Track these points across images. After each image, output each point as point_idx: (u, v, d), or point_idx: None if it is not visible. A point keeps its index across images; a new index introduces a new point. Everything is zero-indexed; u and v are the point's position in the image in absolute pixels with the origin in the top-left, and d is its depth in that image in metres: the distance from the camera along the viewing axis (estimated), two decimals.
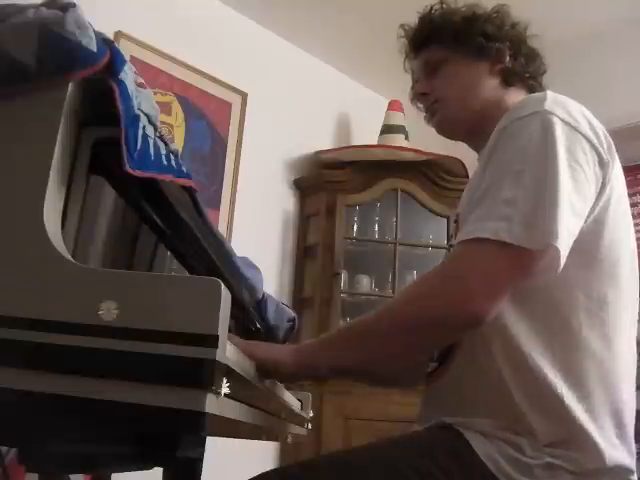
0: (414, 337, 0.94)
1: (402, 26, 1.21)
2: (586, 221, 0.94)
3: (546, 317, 0.94)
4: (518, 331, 0.93)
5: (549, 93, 0.98)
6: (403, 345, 0.96)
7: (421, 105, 1.21)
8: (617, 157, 0.98)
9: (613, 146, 0.98)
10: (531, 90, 1.15)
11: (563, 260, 0.87)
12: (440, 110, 1.15)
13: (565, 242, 0.87)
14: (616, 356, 0.97)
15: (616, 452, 0.93)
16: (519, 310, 0.93)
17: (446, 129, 1.18)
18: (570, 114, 0.94)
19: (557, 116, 0.92)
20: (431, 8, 1.18)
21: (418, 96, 1.20)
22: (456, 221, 1.14)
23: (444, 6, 1.18)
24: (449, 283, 0.90)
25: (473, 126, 1.13)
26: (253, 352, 0.92)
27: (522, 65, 1.14)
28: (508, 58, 1.13)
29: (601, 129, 0.97)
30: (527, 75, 1.15)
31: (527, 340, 0.93)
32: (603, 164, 0.95)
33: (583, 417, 0.91)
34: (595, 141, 0.94)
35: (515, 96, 1.12)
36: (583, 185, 0.91)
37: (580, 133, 0.93)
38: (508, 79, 1.13)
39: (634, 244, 1.03)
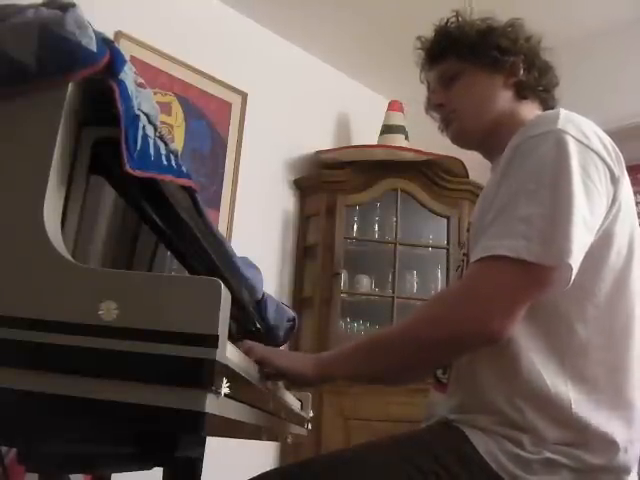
0: (432, 353, 0.98)
1: (419, 38, 1.23)
2: (596, 234, 0.95)
3: (553, 326, 0.96)
4: (525, 340, 0.95)
5: (562, 111, 1.00)
6: (420, 360, 1.00)
7: (436, 115, 1.23)
8: (625, 169, 1.00)
9: (622, 159, 1.00)
10: (544, 102, 1.18)
11: (574, 275, 0.89)
12: (456, 121, 1.17)
13: (577, 258, 0.89)
14: (629, 362, 0.98)
15: (624, 455, 0.94)
16: (525, 319, 0.94)
17: (461, 139, 1.20)
18: (582, 132, 0.96)
19: (570, 134, 0.94)
20: (447, 21, 1.20)
21: (434, 107, 1.23)
22: (468, 230, 1.16)
23: (459, 19, 1.20)
24: (468, 302, 0.92)
25: (487, 137, 1.16)
26: (273, 361, 0.98)
27: (535, 78, 1.16)
28: (522, 71, 1.15)
29: (611, 144, 0.99)
30: (540, 88, 1.17)
31: (534, 349, 0.95)
32: (615, 180, 0.97)
33: (594, 422, 0.92)
34: (607, 157, 0.97)
35: (528, 108, 1.15)
36: (595, 201, 0.93)
37: (592, 150, 0.95)
38: (522, 92, 1.15)
39: None
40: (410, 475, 0.91)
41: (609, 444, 0.93)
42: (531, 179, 0.93)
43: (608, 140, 1.00)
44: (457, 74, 1.16)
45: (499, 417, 0.94)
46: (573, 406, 0.92)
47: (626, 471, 0.94)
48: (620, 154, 1.00)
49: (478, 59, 1.15)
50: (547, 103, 1.18)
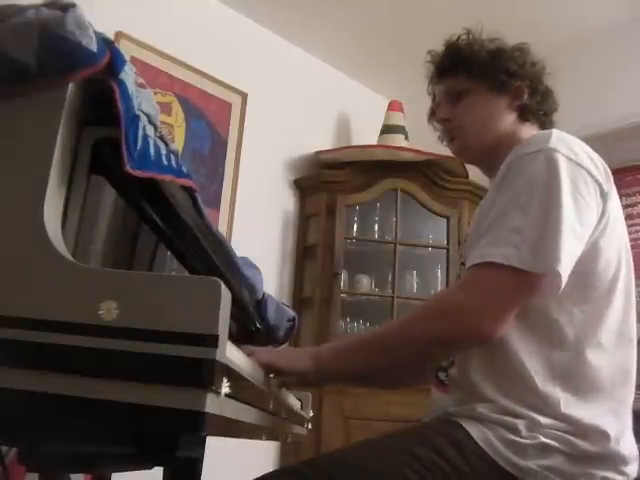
0: (426, 352, 1.04)
1: (429, 52, 1.27)
2: (586, 244, 1.00)
3: (543, 329, 1.01)
4: (516, 342, 1.00)
5: (554, 131, 1.06)
6: (415, 357, 1.07)
7: (438, 126, 1.28)
8: (614, 185, 1.06)
9: (611, 176, 1.05)
10: (543, 126, 1.22)
11: (564, 282, 0.94)
12: (459, 137, 1.22)
13: (566, 266, 0.95)
14: (618, 362, 1.03)
15: (616, 445, 0.97)
16: (517, 322, 0.99)
17: (463, 154, 1.26)
18: (572, 150, 1.02)
19: (560, 152, 1.00)
20: (458, 37, 1.24)
21: (439, 120, 1.27)
22: (465, 240, 1.21)
23: (470, 37, 1.23)
24: (461, 305, 0.98)
25: (488, 155, 1.20)
26: (275, 364, 1.00)
27: (538, 102, 1.21)
28: (526, 95, 1.20)
29: (600, 161, 1.05)
30: (541, 112, 1.22)
31: (524, 350, 1.00)
32: (604, 194, 1.03)
33: (583, 418, 0.97)
34: (596, 174, 1.02)
35: (528, 131, 1.19)
36: (585, 213, 0.99)
37: (582, 167, 1.01)
38: (524, 114, 1.20)
39: (630, 258, 1.10)
40: (410, 464, 0.94)
41: (600, 435, 0.97)
42: (523, 193, 0.99)
43: (597, 157, 1.05)
44: (464, 91, 1.21)
45: (494, 405, 0.98)
46: (562, 404, 0.97)
47: (622, 461, 0.98)
48: (609, 170, 1.06)
49: (486, 80, 1.19)
50: (546, 126, 1.22)
